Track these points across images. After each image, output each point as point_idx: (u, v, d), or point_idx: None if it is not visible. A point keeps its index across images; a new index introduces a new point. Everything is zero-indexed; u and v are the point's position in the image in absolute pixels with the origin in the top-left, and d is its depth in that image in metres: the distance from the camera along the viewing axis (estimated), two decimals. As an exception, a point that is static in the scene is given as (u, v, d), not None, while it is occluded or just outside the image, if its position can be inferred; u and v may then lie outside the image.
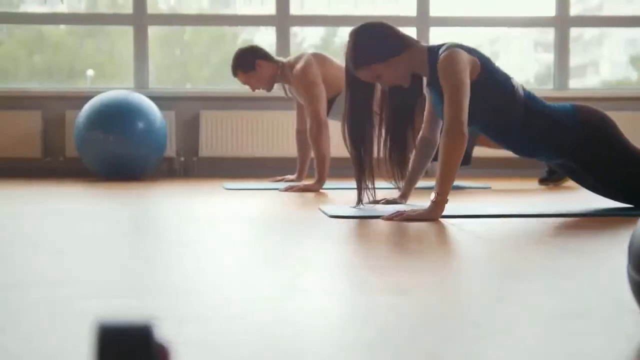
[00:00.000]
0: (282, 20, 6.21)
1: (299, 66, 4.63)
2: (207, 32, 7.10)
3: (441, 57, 2.97)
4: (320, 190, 4.44)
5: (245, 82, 4.81)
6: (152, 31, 6.39)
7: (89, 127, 5.35)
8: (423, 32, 6.27)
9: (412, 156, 3.29)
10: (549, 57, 6.64)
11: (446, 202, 2.86)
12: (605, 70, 8.45)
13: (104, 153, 5.35)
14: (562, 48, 6.37)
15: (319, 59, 4.66)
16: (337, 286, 1.69)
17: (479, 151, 4.96)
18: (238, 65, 4.76)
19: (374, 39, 3.07)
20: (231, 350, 1.14)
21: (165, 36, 7.11)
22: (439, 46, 3.06)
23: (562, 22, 6.35)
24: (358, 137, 3.17)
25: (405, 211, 2.88)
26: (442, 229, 2.64)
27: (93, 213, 3.27)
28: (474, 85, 2.95)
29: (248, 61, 4.74)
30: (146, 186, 4.85)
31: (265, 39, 6.61)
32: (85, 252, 2.14)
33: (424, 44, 3.13)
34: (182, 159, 6.09)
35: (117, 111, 5.36)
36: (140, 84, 6.16)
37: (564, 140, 3.06)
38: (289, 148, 5.92)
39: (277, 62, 4.77)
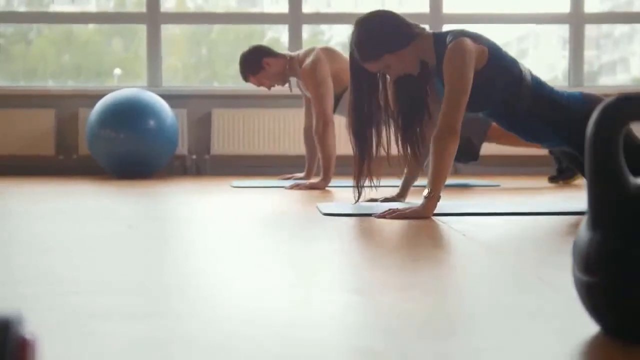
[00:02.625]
0: (295, 18, 6.21)
1: (308, 61, 4.62)
2: (234, 30, 7.11)
3: (449, 46, 2.92)
4: (326, 188, 4.44)
5: (258, 84, 4.81)
6: (179, 30, 6.42)
7: (100, 125, 5.38)
8: (436, 29, 6.23)
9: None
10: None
11: (438, 200, 2.84)
12: (636, 67, 8.34)
13: (114, 151, 5.38)
14: (576, 45, 6.31)
15: (328, 54, 4.65)
16: (307, 284, 1.68)
17: (489, 149, 4.92)
18: (246, 69, 4.75)
19: (382, 30, 3.00)
20: (212, 350, 1.15)
21: (192, 34, 7.14)
22: (446, 33, 3.01)
23: (577, 19, 6.29)
24: (363, 131, 3.13)
25: (397, 208, 2.87)
26: (431, 227, 2.63)
27: (93, 211, 3.30)
28: (481, 72, 2.90)
29: (255, 62, 4.72)
30: (156, 184, 4.87)
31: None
32: (79, 250, 2.15)
33: (429, 31, 3.09)
34: (194, 157, 6.12)
35: (128, 109, 5.39)
36: (153, 82, 6.19)
37: (570, 126, 2.99)
38: (300, 146, 5.90)
39: (284, 56, 4.77)
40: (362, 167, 3.16)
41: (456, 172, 5.82)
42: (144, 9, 6.22)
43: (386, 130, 3.17)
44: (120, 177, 5.44)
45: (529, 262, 1.95)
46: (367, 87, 3.10)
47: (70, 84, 6.51)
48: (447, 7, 6.26)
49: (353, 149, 3.17)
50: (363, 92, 3.11)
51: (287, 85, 4.86)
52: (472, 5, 6.61)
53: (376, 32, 3.01)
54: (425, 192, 2.84)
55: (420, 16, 6.32)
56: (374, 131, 3.15)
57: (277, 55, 4.75)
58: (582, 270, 1.18)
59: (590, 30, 7.96)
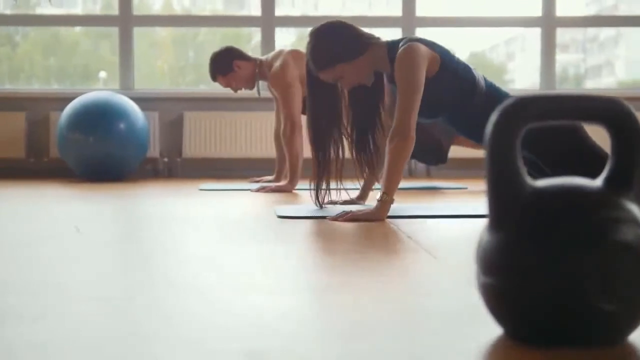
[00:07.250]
0: (267, 22, 6.21)
1: (276, 64, 4.62)
2: (221, 33, 7.11)
3: (399, 51, 2.95)
4: (293, 191, 4.44)
5: (226, 85, 4.80)
6: (166, 32, 6.41)
7: (69, 128, 5.36)
8: (409, 32, 6.25)
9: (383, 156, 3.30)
10: (566, 58, 6.58)
11: (392, 203, 2.85)
12: (621, 71, 8.38)
13: (84, 154, 5.37)
14: (548, 49, 6.33)
15: (297, 57, 4.64)
16: (234, 286, 1.69)
17: (458, 152, 4.93)
18: (216, 69, 4.74)
19: (336, 40, 3.05)
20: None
21: (180, 37, 7.15)
22: (399, 41, 3.05)
23: (548, 23, 6.31)
24: (321, 141, 3.15)
25: (351, 211, 2.88)
26: (380, 229, 2.63)
27: (45, 213, 3.28)
28: (434, 79, 2.93)
29: (225, 63, 4.71)
30: (124, 187, 4.85)
31: (283, 37, 6.61)
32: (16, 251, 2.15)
33: (382, 40, 3.12)
34: (166, 159, 6.11)
35: (97, 112, 5.37)
36: (126, 85, 6.18)
37: (526, 131, 2.99)
38: (272, 149, 5.91)
39: (254, 60, 4.77)
40: (322, 174, 3.17)
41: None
42: (135, 12, 6.21)
43: (345, 138, 3.19)
44: (90, 180, 5.42)
45: (463, 265, 1.96)
46: (324, 97, 3.12)
47: (40, 87, 6.50)
48: (420, 10, 6.27)
49: (313, 157, 3.18)
50: (320, 102, 3.14)
51: (255, 89, 4.86)
52: (445, 9, 6.62)
53: (330, 42, 3.04)
54: (379, 195, 2.85)
55: (393, 19, 6.34)
56: (332, 140, 3.16)
57: (248, 59, 4.74)
58: (483, 273, 1.19)
59: (576, 33, 7.97)
